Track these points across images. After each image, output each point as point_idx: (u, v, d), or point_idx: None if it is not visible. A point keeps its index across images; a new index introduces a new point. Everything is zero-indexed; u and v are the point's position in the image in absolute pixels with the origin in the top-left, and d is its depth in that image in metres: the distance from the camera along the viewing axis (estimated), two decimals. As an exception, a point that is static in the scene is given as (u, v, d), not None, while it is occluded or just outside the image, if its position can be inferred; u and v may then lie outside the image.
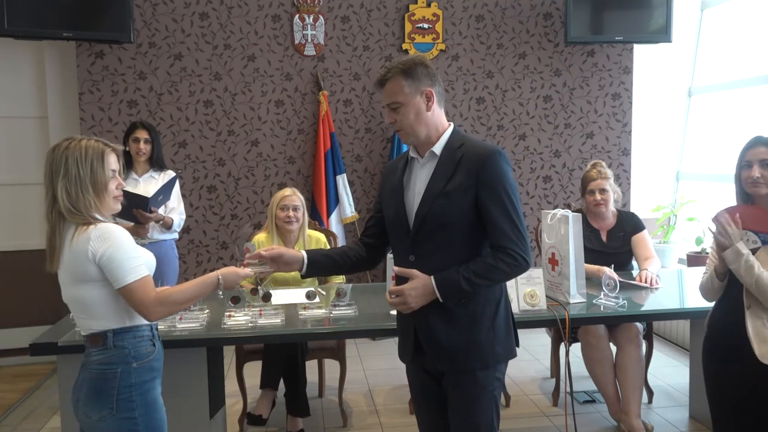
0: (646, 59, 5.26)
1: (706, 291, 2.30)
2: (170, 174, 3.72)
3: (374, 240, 2.12)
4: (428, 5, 4.94)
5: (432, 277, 1.84)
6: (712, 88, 5.24)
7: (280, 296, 3.01)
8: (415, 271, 1.86)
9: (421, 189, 1.93)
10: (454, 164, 1.88)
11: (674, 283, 3.54)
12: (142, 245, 3.53)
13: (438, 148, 1.93)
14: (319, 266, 2.06)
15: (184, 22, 4.70)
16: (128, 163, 3.65)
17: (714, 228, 2.16)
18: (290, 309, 2.85)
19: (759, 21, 4.86)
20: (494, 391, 1.95)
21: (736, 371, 2.13)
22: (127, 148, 3.64)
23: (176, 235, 3.78)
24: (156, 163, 3.69)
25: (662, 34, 4.81)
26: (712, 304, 2.32)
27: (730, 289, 2.18)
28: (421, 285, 1.84)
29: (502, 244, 1.84)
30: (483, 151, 1.87)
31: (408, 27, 4.92)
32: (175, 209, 3.67)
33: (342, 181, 4.81)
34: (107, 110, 4.64)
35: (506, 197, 1.84)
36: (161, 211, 3.58)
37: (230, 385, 3.35)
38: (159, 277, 3.55)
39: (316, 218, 4.56)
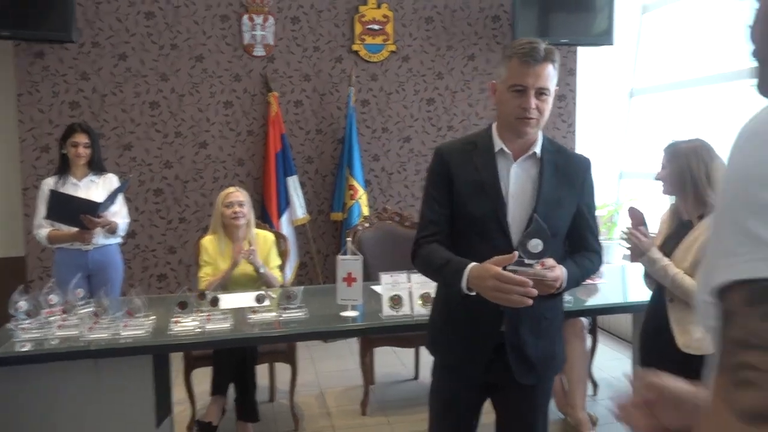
0: (589, 61, 5.41)
1: (645, 282, 2.47)
2: (111, 177, 3.64)
3: (448, 240, 1.84)
4: (378, 6, 4.96)
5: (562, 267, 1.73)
6: (652, 90, 5.42)
7: (229, 300, 2.98)
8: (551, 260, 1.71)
9: (520, 190, 1.79)
10: (558, 170, 1.82)
11: (617, 278, 3.65)
12: (87, 251, 3.50)
13: (538, 149, 1.82)
14: None
15: (129, 22, 4.59)
16: (65, 167, 3.55)
17: (625, 240, 2.35)
18: (239, 313, 2.82)
19: (696, 25, 5.05)
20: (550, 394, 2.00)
21: (659, 357, 2.24)
22: (64, 152, 3.54)
23: (120, 240, 3.70)
24: (95, 166, 3.59)
25: (605, 36, 4.95)
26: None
27: (659, 283, 2.33)
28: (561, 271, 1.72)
29: (595, 248, 1.90)
30: (582, 160, 1.90)
31: (358, 28, 4.93)
32: (119, 213, 3.58)
33: (293, 182, 4.78)
34: (47, 112, 4.49)
35: (595, 206, 1.92)
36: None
37: (179, 392, 3.30)
38: (105, 282, 3.51)
39: (267, 221, 4.52)
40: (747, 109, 3.89)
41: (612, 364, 4.24)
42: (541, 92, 1.73)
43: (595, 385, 3.77)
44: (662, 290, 2.30)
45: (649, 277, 2.38)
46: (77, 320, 2.60)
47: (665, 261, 2.23)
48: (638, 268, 4.07)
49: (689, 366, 2.17)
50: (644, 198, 5.25)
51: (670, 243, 2.31)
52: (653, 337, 2.33)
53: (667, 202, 2.48)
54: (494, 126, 1.87)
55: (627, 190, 5.52)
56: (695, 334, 2.19)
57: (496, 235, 1.77)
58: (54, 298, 2.65)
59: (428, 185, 1.89)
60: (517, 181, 1.80)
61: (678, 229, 2.34)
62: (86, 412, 2.46)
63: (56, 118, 4.50)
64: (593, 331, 3.72)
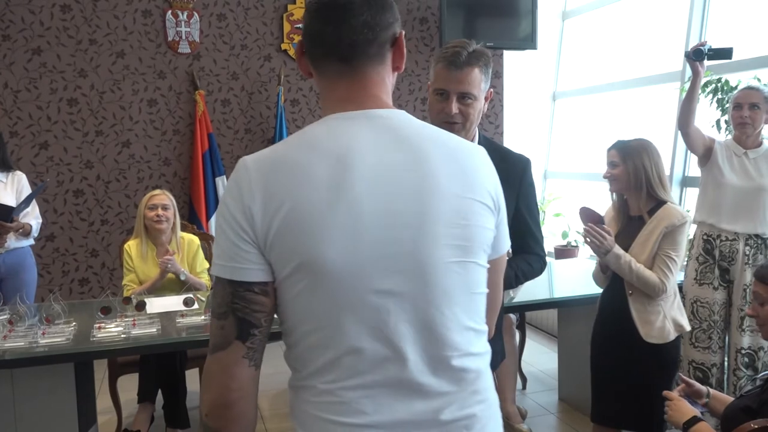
0: (515, 65, 5.57)
1: (597, 279, 2.57)
2: (19, 175, 3.45)
3: None
4: (307, 6, 4.92)
5: None
6: (573, 93, 5.64)
7: (156, 304, 2.88)
8: None
9: None
10: None
11: (544, 275, 3.75)
12: (-1, 255, 3.30)
13: None
14: None
15: (43, 14, 4.36)
16: None
17: (587, 238, 2.42)
18: (167, 317, 2.73)
19: (614, 32, 5.30)
20: None
21: (623, 349, 2.36)
22: None
23: (32, 241, 3.51)
24: (2, 163, 3.39)
25: (529, 41, 5.10)
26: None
27: (615, 278, 2.43)
28: None
29: (536, 251, 1.86)
30: (518, 161, 1.83)
31: (287, 27, 4.88)
32: (30, 214, 3.39)
33: (222, 183, 4.67)
34: (-46, 108, 4.21)
35: (536, 207, 1.86)
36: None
37: (104, 400, 3.16)
38: (20, 285, 3.32)
39: (195, 222, 4.41)
40: (664, 111, 4.08)
41: (540, 359, 4.37)
42: (464, 96, 1.71)
43: (524, 379, 3.88)
44: (618, 285, 2.40)
45: (604, 274, 2.47)
46: (-10, 329, 2.45)
47: (628, 257, 2.33)
48: (568, 265, 4.22)
49: (653, 355, 2.30)
50: (569, 197, 5.46)
51: (622, 239, 2.41)
52: (613, 330, 2.42)
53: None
54: None
55: (551, 190, 5.72)
56: (656, 324, 2.32)
57: None
58: (-36, 307, 2.49)
59: None
60: None
61: (628, 225, 2.44)
62: (2, 427, 2.32)
63: (-37, 115, 4.22)
64: (521, 327, 3.83)
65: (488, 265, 1.07)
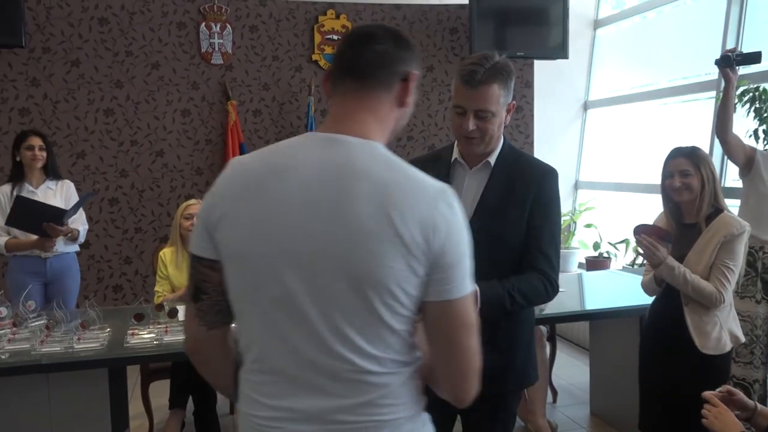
0: (546, 74, 5.52)
1: (647, 289, 2.50)
2: (68, 184, 3.58)
3: None
4: (337, 17, 4.97)
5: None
6: (605, 103, 5.58)
7: (188, 311, 2.91)
8: None
9: (471, 200, 1.78)
10: (510, 178, 1.77)
11: (575, 286, 3.72)
12: (46, 258, 3.38)
13: (493, 158, 1.79)
14: None
15: (82, 27, 4.48)
16: (19, 175, 3.44)
17: (640, 249, 2.39)
18: (198, 324, 2.75)
19: (646, 41, 5.23)
20: (515, 410, 1.93)
21: (676, 359, 2.31)
22: (18, 159, 3.43)
23: (78, 247, 3.60)
24: (51, 172, 3.51)
25: (559, 50, 5.06)
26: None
27: (668, 288, 2.37)
28: None
29: (543, 268, 1.75)
30: (537, 171, 1.78)
31: (318, 38, 4.93)
32: (78, 219, 3.49)
33: (252, 192, 4.72)
34: (-4, 118, 4.34)
35: (556, 222, 1.79)
36: None
37: (136, 406, 3.20)
38: (64, 291, 3.41)
39: (226, 230, 4.45)
40: (699, 121, 4.00)
41: (570, 372, 4.30)
42: (481, 113, 1.69)
43: (554, 392, 3.82)
44: (672, 295, 2.35)
45: (660, 287, 2.41)
46: (28, 333, 2.50)
47: (682, 268, 2.29)
48: (600, 277, 4.16)
49: (706, 366, 2.25)
50: (601, 207, 5.38)
51: (677, 247, 2.35)
52: (666, 339, 2.37)
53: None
54: None
55: (583, 200, 5.65)
56: (713, 335, 2.27)
57: None
58: (3, 311, 2.55)
59: None
60: (468, 191, 1.80)
61: (683, 233, 2.37)
62: (37, 429, 2.37)
63: (5, 125, 4.35)
64: (552, 339, 3.78)
65: (406, 305, 1.05)
